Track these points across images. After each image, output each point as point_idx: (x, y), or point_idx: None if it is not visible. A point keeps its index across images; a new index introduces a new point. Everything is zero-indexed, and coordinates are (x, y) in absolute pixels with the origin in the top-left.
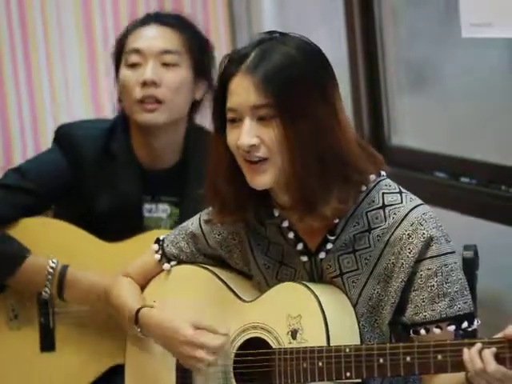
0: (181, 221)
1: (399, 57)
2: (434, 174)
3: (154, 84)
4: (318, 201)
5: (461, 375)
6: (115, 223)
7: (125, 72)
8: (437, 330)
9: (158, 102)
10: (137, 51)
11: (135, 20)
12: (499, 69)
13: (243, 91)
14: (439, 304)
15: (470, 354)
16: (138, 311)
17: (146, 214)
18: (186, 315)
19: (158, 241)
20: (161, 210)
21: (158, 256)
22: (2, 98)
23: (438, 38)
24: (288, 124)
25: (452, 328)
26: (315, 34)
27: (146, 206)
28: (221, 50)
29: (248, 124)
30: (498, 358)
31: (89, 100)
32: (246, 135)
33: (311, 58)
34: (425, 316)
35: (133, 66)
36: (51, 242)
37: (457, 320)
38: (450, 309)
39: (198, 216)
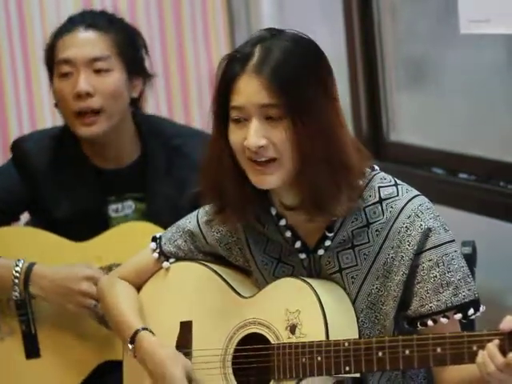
0: (148, 216)
1: (398, 53)
2: (432, 170)
3: (88, 95)
4: (330, 200)
5: (475, 369)
6: (80, 229)
7: (58, 83)
8: (444, 320)
9: (96, 112)
10: (67, 61)
11: (61, 25)
12: (497, 65)
13: (251, 90)
14: (443, 294)
15: (483, 357)
16: (136, 332)
17: (113, 215)
18: (182, 361)
19: (154, 239)
20: (126, 207)
21: (156, 255)
22: (0, 98)
23: (436, 34)
24: (297, 124)
25: (459, 316)
26: (314, 31)
27: (113, 207)
28: (220, 48)
29: (256, 124)
30: (501, 350)
31: None
32: (254, 136)
33: (312, 55)
34: (431, 307)
35: (64, 75)
36: (23, 249)
37: (463, 308)
38: (454, 297)
39: (195, 214)
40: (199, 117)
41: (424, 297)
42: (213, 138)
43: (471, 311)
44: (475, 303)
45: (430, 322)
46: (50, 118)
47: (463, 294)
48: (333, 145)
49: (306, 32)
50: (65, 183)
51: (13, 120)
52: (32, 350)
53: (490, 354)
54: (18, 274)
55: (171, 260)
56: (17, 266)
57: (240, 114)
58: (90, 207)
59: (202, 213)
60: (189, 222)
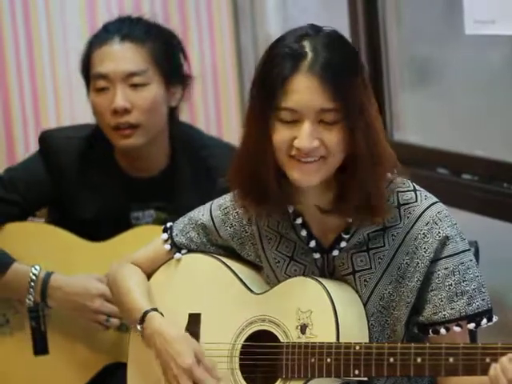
0: None
1: (402, 54)
2: (436, 171)
3: (125, 111)
4: (382, 204)
5: (484, 381)
6: (102, 231)
7: (94, 97)
8: (457, 329)
9: (133, 126)
10: (103, 76)
11: (96, 33)
12: (502, 66)
13: (308, 92)
14: (458, 303)
15: (496, 370)
16: (146, 312)
17: (134, 222)
18: (191, 342)
19: (165, 229)
20: (147, 216)
21: (168, 246)
22: (4, 94)
23: (441, 34)
24: (351, 127)
25: (472, 326)
26: None
27: (134, 214)
28: (224, 44)
29: (309, 126)
30: None
31: None
32: (308, 138)
33: (356, 56)
34: (444, 315)
35: (101, 90)
36: (38, 246)
37: (476, 318)
38: (468, 307)
39: (208, 207)
40: (203, 111)
41: (438, 304)
42: (252, 132)
43: (484, 321)
44: (488, 313)
45: (442, 330)
46: (53, 116)
47: (477, 303)
48: (378, 148)
49: None
50: (92, 185)
51: (17, 119)
52: (41, 346)
53: (502, 368)
54: (33, 284)
55: (183, 251)
56: (33, 274)
57: (292, 115)
58: (115, 213)
59: (215, 206)
60: (202, 214)
